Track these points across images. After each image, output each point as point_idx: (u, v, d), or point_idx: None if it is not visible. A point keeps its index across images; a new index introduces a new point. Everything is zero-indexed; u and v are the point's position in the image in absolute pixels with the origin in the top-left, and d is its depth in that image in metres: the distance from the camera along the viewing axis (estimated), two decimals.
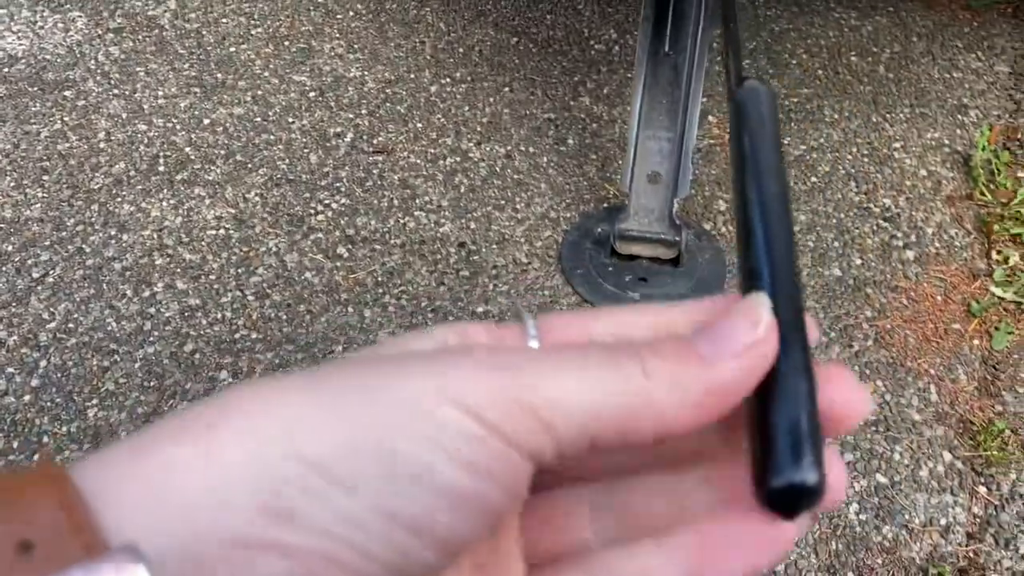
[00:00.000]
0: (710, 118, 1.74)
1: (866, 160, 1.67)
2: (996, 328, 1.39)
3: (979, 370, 1.34)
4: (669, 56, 1.44)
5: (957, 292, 1.45)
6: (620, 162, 1.62)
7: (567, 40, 1.94)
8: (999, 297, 1.43)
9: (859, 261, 1.49)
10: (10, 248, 1.45)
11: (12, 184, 1.56)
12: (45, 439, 1.20)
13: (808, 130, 1.73)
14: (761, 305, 0.27)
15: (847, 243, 1.52)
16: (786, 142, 1.70)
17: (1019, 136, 1.74)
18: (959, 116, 1.78)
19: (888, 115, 1.77)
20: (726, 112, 1.75)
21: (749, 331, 0.26)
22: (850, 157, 1.68)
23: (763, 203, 0.32)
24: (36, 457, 1.18)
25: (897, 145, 1.71)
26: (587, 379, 0.24)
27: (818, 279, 1.46)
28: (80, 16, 1.93)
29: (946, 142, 1.72)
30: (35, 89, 1.75)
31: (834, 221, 1.55)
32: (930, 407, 1.29)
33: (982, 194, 1.60)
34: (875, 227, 1.55)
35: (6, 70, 1.79)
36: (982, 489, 1.19)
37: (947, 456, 1.23)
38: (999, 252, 1.50)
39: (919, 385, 1.32)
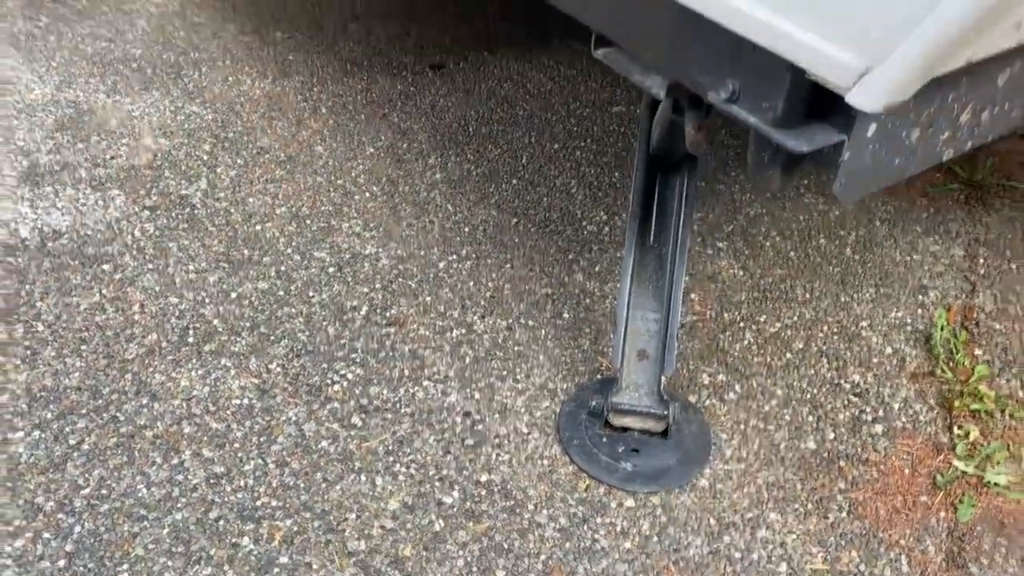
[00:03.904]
0: (693, 296, 1.91)
1: (836, 337, 1.83)
2: (960, 501, 1.51)
3: (946, 541, 1.45)
4: (655, 247, 1.62)
5: (923, 465, 1.57)
6: (612, 335, 1.77)
7: (562, 220, 2.14)
8: (962, 471, 1.55)
9: (832, 435, 1.62)
10: (49, 415, 1.57)
11: (53, 354, 1.69)
12: None
13: (782, 308, 1.90)
14: None
15: (821, 417, 1.65)
16: (762, 319, 1.86)
17: (975, 315, 1.91)
18: (920, 296, 1.95)
19: (855, 294, 1.95)
20: (708, 290, 1.93)
21: None
22: (821, 335, 1.84)
23: None
24: None
25: (864, 323, 1.87)
26: None
27: (795, 452, 1.58)
28: (119, 194, 2.13)
29: (909, 321, 1.88)
30: (76, 263, 1.91)
31: (808, 396, 1.69)
32: None
33: (943, 371, 1.75)
34: (846, 402, 1.69)
35: (50, 244, 1.96)
36: None
37: None
38: (960, 427, 1.64)
39: (891, 556, 1.42)
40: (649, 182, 1.61)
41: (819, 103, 0.95)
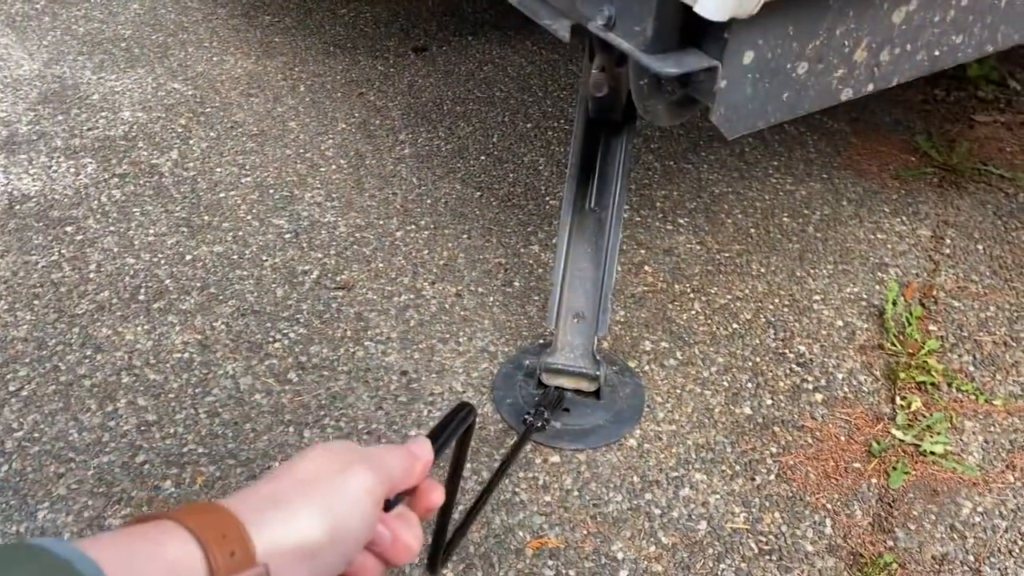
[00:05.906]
0: (646, 267, 1.90)
1: (786, 310, 1.81)
2: (894, 468, 1.48)
3: (875, 507, 1.42)
4: (594, 211, 1.61)
5: (860, 433, 1.55)
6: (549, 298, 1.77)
7: (525, 195, 2.14)
8: (899, 439, 1.53)
9: (770, 401, 1.60)
10: None
11: (5, 307, 1.73)
12: None
13: (735, 281, 1.88)
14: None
15: (760, 384, 1.63)
16: (713, 291, 1.85)
17: (934, 293, 1.88)
18: (879, 273, 1.93)
19: (812, 270, 1.92)
20: (662, 263, 1.92)
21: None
22: (772, 307, 1.82)
23: None
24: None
25: (817, 298, 1.85)
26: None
27: (729, 416, 1.57)
28: (91, 162, 2.17)
29: (864, 296, 1.86)
30: (40, 224, 1.95)
31: (750, 364, 1.68)
32: (823, 539, 1.36)
33: (892, 344, 1.72)
34: (788, 371, 1.67)
35: (17, 207, 2.00)
36: None
37: None
38: (903, 398, 1.61)
39: (815, 518, 1.40)
40: (589, 146, 1.61)
41: (694, 31, 0.95)
